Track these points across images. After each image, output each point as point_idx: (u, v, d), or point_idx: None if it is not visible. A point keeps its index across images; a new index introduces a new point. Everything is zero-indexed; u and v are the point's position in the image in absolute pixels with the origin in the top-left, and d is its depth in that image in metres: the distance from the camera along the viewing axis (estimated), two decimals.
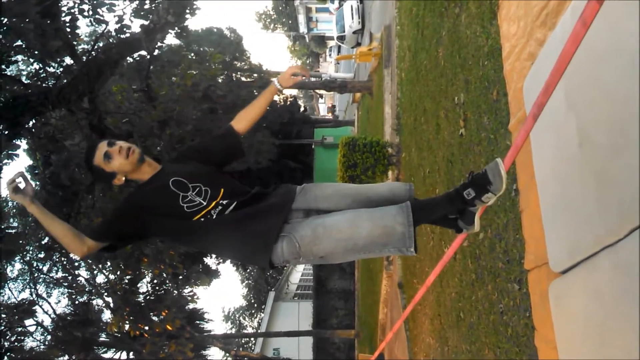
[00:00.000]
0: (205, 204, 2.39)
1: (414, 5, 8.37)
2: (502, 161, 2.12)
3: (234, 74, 15.52)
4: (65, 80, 7.86)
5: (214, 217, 2.39)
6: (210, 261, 23.01)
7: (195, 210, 2.38)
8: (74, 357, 13.67)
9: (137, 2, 8.21)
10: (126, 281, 14.00)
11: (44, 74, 8.64)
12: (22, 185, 2.42)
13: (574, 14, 2.56)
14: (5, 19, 6.07)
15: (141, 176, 2.55)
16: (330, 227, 2.28)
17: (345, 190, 2.50)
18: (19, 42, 6.70)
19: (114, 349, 15.60)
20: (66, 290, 15.51)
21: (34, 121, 8.49)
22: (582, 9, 1.55)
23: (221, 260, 24.16)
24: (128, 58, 9.80)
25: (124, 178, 2.50)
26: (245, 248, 2.42)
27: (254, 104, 2.69)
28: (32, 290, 15.02)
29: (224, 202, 2.42)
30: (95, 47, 8.85)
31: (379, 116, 12.70)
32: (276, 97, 17.72)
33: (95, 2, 7.70)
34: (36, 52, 7.15)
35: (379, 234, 2.25)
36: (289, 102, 16.44)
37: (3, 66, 7.28)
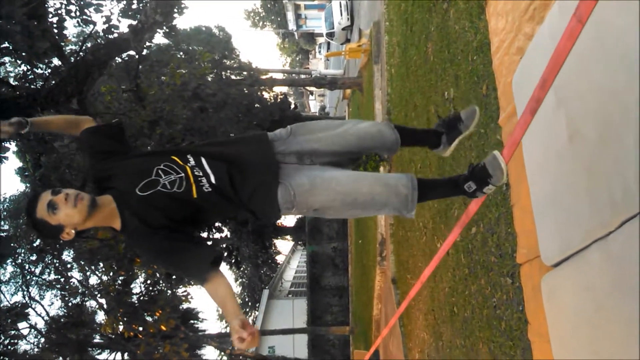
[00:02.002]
0: (180, 172, 2.21)
1: (403, 1, 8.37)
2: (500, 153, 2.15)
3: (223, 73, 15.45)
4: (53, 82, 7.81)
5: (207, 187, 2.21)
6: None
7: (182, 184, 2.19)
8: (68, 359, 13.63)
9: (124, 2, 8.17)
10: (119, 282, 13.94)
11: (32, 76, 8.57)
12: (8, 129, 2.38)
13: (561, 7, 2.57)
14: None
15: (104, 222, 2.24)
16: (329, 179, 2.21)
17: (334, 129, 2.40)
18: (6, 44, 6.65)
19: (108, 350, 15.56)
20: (59, 292, 15.47)
21: None
22: (576, 4, 1.55)
23: None
24: (116, 58, 9.74)
25: (73, 231, 2.17)
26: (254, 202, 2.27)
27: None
28: (25, 292, 14.97)
29: (192, 162, 2.24)
30: (83, 47, 8.79)
31: (370, 112, 12.71)
32: (266, 95, 17.70)
33: (82, 2, 7.65)
34: (23, 54, 7.08)
35: (380, 192, 2.21)
36: (279, 100, 16.40)
37: None
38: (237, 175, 2.25)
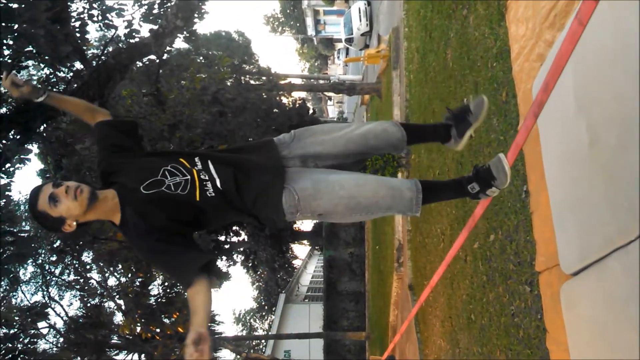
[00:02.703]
0: (187, 174, 2.22)
1: (422, 7, 8.36)
2: (505, 156, 2.14)
3: (242, 77, 15.52)
4: (75, 85, 7.92)
5: (211, 192, 2.21)
6: (221, 263, 23.10)
7: (187, 187, 2.19)
8: (86, 359, 13.75)
9: (146, 6, 8.26)
10: (137, 284, 14.08)
11: (55, 79, 8.70)
12: (20, 83, 2.29)
13: None
14: (16, 25, 6.12)
15: (105, 216, 2.25)
16: (333, 182, 2.20)
17: (338, 132, 2.40)
18: (30, 48, 6.76)
19: (126, 351, 15.66)
20: (78, 292, 15.64)
21: (45, 125, 8.55)
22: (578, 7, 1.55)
23: (231, 263, 24.23)
24: (137, 62, 9.85)
25: (75, 223, 2.17)
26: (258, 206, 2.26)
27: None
28: (45, 293, 15.16)
29: (199, 165, 2.25)
30: (105, 51, 8.90)
31: (388, 118, 12.68)
32: (285, 100, 17.78)
33: (104, 7, 7.74)
34: (46, 58, 7.19)
35: (384, 195, 2.20)
36: (298, 105, 16.43)
37: (14, 71, 7.35)
38: (243, 179, 2.25)
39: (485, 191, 2.22)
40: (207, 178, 2.23)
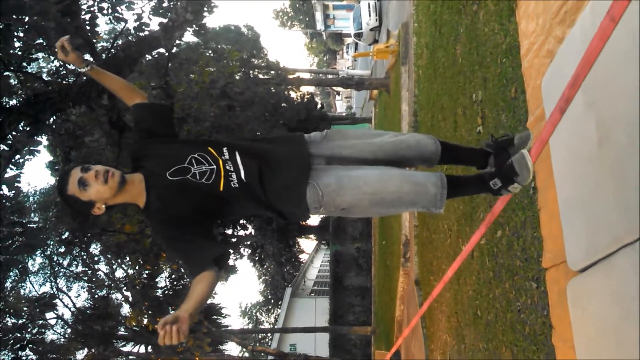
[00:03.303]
0: (213, 163, 2.23)
1: (432, 3, 8.33)
2: (529, 152, 2.14)
3: (251, 71, 15.55)
4: (85, 78, 7.96)
5: (235, 183, 2.22)
6: None
7: (212, 176, 2.21)
8: (93, 350, 13.87)
9: (155, 0, 8.28)
10: (145, 276, 14.16)
11: (64, 72, 8.75)
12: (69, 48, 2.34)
13: (593, 11, 2.54)
14: (27, 18, 6.16)
15: (131, 199, 2.27)
16: (356, 178, 2.19)
17: (370, 138, 2.40)
18: (40, 40, 6.80)
19: (133, 343, 15.79)
20: (86, 284, 15.76)
21: (54, 118, 8.60)
22: (610, 4, 1.54)
23: (238, 256, 24.31)
24: (147, 55, 9.88)
25: (104, 206, 2.21)
26: (282, 201, 2.28)
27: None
28: (53, 284, 15.31)
29: (226, 155, 2.26)
30: (115, 44, 8.93)
31: (396, 113, 12.67)
32: (293, 94, 17.77)
33: (114, 0, 7.78)
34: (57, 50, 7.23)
35: (408, 191, 2.18)
36: (306, 99, 16.45)
37: (24, 64, 7.40)
38: (268, 173, 2.25)
39: (508, 187, 2.21)
40: (232, 169, 2.24)
